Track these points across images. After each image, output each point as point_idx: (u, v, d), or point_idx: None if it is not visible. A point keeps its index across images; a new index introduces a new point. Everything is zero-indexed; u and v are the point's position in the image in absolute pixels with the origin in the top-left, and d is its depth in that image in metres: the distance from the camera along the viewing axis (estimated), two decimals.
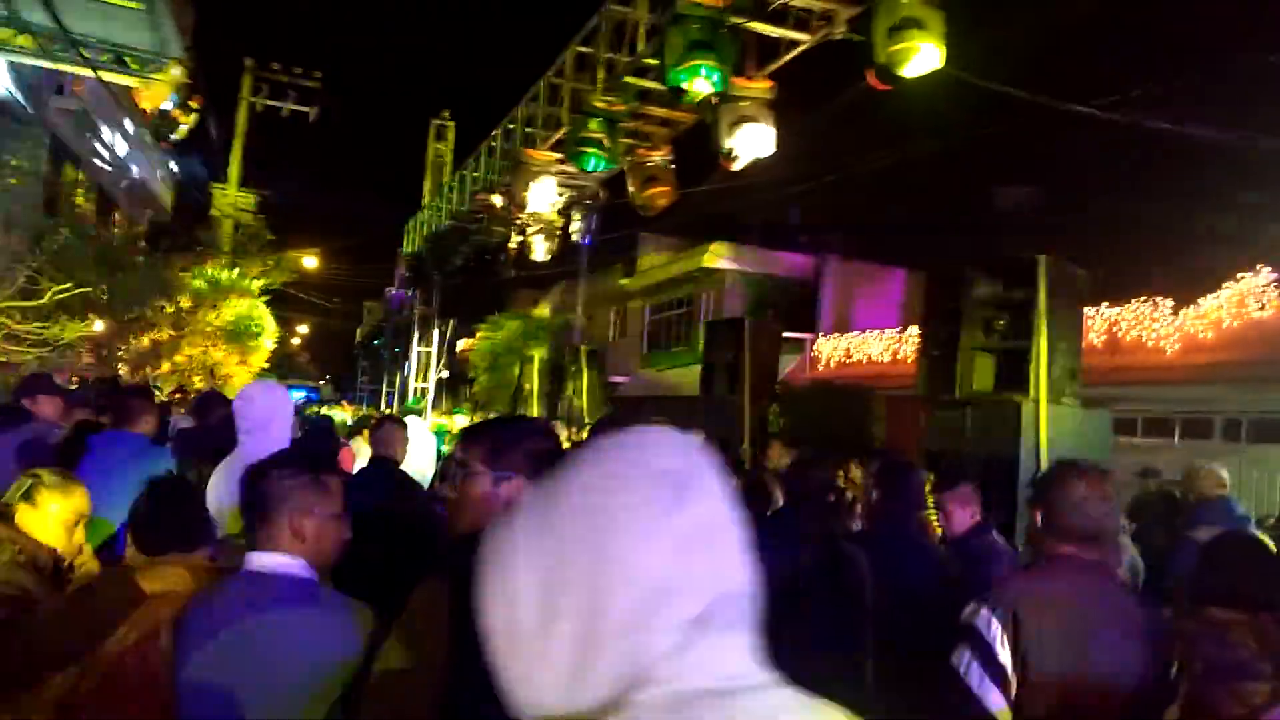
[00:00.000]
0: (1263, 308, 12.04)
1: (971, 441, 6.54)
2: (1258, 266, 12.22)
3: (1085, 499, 2.49)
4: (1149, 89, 10.99)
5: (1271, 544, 3.39)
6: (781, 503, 4.42)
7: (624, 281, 28.85)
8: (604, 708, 0.80)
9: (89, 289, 10.04)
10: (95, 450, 4.08)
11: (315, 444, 5.59)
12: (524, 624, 0.82)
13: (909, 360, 13.81)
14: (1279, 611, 2.39)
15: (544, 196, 10.08)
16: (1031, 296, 6.26)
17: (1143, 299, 13.42)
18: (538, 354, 25.94)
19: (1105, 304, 13.56)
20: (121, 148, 15.62)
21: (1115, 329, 13.55)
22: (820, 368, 19.99)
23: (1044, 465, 5.91)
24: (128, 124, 14.46)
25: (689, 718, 0.79)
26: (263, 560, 2.09)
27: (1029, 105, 9.74)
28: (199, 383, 13.47)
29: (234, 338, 14.04)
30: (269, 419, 3.54)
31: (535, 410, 22.33)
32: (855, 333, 20.01)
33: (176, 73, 15.09)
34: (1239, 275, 12.31)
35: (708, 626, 0.83)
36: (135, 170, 16.90)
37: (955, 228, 20.82)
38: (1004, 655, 2.33)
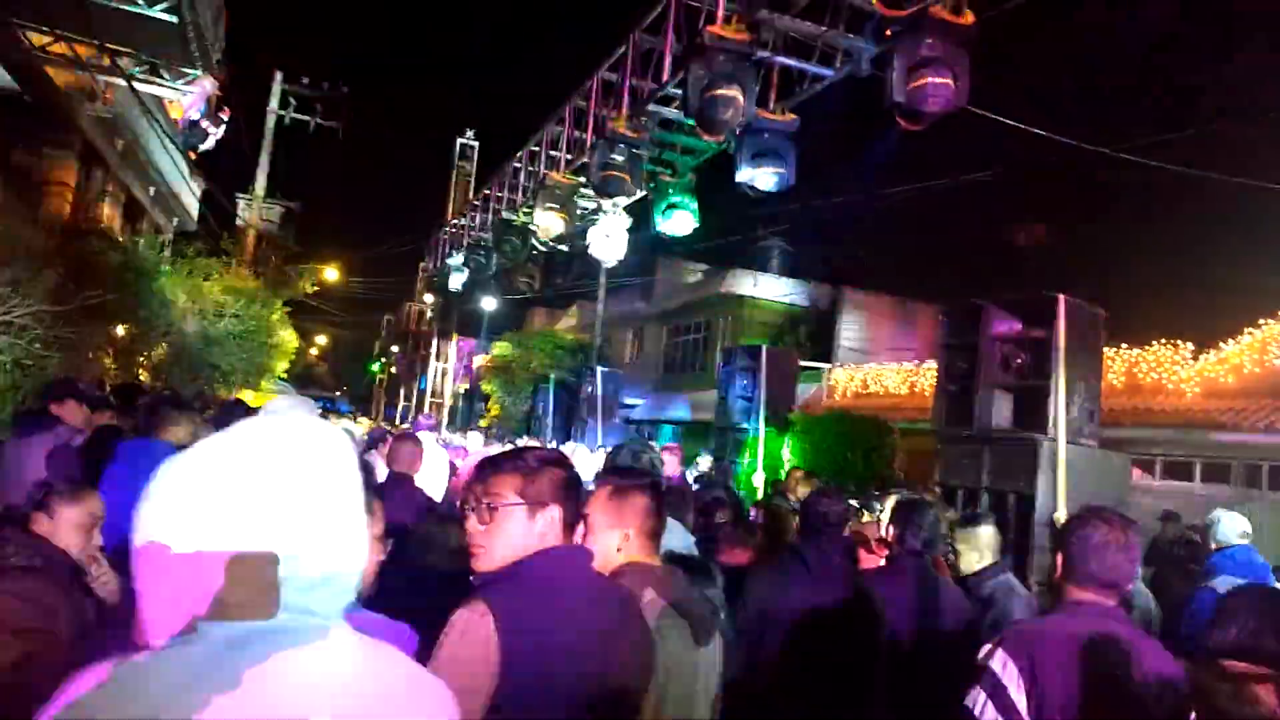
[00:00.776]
0: None
1: (988, 478, 6.51)
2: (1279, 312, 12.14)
3: (1106, 545, 2.48)
4: (1177, 133, 10.98)
5: None
6: (796, 533, 4.40)
7: (641, 304, 28.93)
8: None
9: (113, 295, 10.14)
10: (122, 458, 4.05)
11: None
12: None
13: (926, 393, 13.75)
14: None
15: (565, 219, 10.14)
16: (1051, 335, 6.25)
17: (1163, 341, 13.34)
18: (554, 374, 26.00)
19: (1125, 345, 13.49)
20: (150, 156, 15.84)
21: (1135, 370, 13.47)
22: (837, 397, 19.92)
23: (1061, 505, 5.87)
24: (157, 133, 14.66)
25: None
26: None
27: (1054, 145, 9.75)
28: (223, 392, 13.57)
29: (253, 347, 14.15)
30: None
31: (550, 431, 22.35)
32: (873, 364, 19.96)
33: (207, 84, 15.33)
34: (1261, 321, 12.23)
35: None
36: (163, 179, 17.12)
37: (976, 263, 20.77)
38: (1018, 698, 2.31)
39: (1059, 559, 2.58)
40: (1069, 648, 2.37)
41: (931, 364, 14.05)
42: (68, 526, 2.74)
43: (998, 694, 2.34)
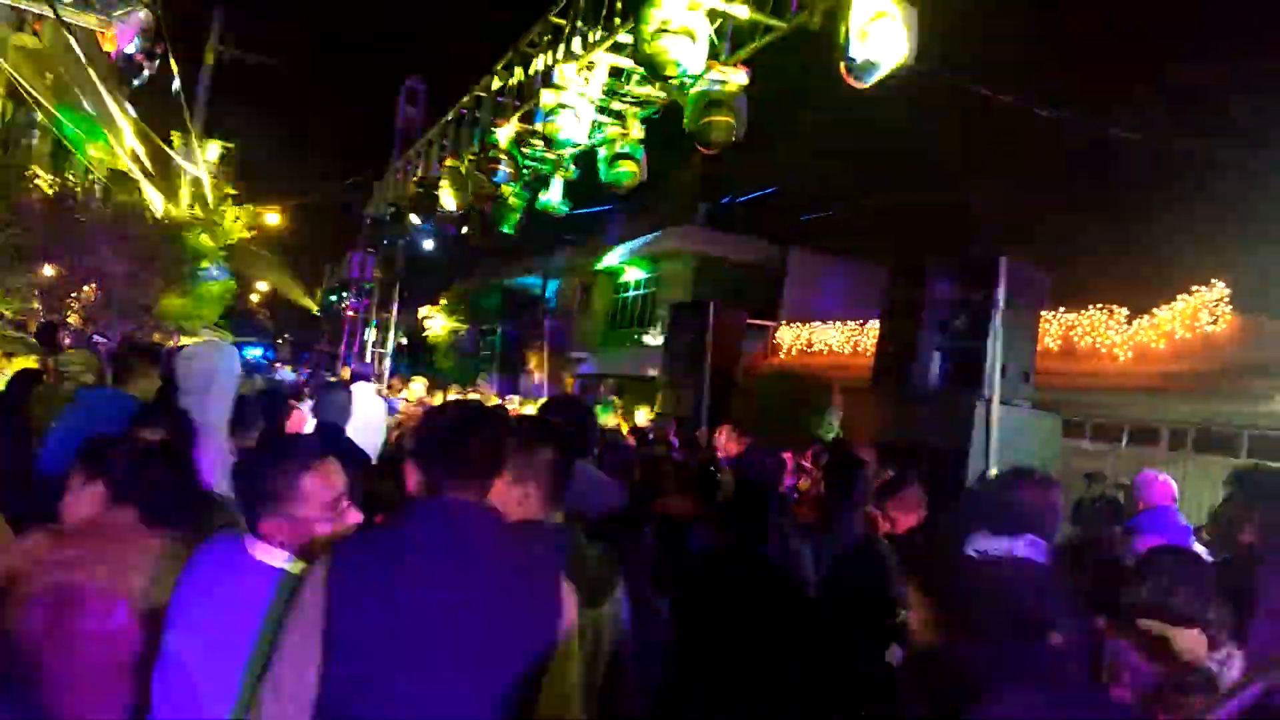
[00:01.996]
0: (1215, 321, 12.26)
1: (923, 436, 6.61)
2: (1212, 281, 12.44)
3: (1027, 503, 2.51)
4: (1117, 97, 11.11)
5: (1208, 557, 3.44)
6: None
7: (590, 259, 28.74)
8: None
9: (33, 233, 9.75)
10: (83, 405, 3.83)
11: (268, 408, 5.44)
12: None
13: (868, 352, 13.91)
14: (1209, 627, 2.42)
15: (512, 167, 9.95)
16: (991, 297, 6.31)
17: (1099, 306, 13.61)
18: (500, 325, 25.81)
19: (1062, 309, 13.74)
20: (80, 90, 15.16)
21: (1071, 334, 13.74)
22: (781, 355, 20.08)
23: (993, 465, 5.98)
24: (89, 69, 14.02)
25: None
26: (255, 547, 2.09)
27: (1000, 105, 9.80)
28: (157, 336, 13.18)
29: (190, 295, 13.76)
30: (209, 380, 3.44)
31: (495, 382, 22.22)
32: (817, 323, 20.11)
33: (142, 16, 14.66)
34: (1194, 288, 12.53)
35: None
36: (94, 115, 16.43)
37: (920, 224, 20.95)
38: None
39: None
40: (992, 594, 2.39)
41: (875, 324, 14.18)
42: None
43: None
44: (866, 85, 6.17)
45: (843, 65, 6.14)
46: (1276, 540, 3.07)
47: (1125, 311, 13.31)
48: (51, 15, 11.26)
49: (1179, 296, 12.66)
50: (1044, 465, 5.93)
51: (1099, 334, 13.45)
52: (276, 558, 2.07)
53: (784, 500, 4.32)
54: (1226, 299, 12.23)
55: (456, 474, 1.94)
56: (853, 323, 18.70)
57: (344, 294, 22.26)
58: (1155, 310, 12.89)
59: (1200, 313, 12.39)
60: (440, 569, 1.81)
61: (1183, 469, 10.80)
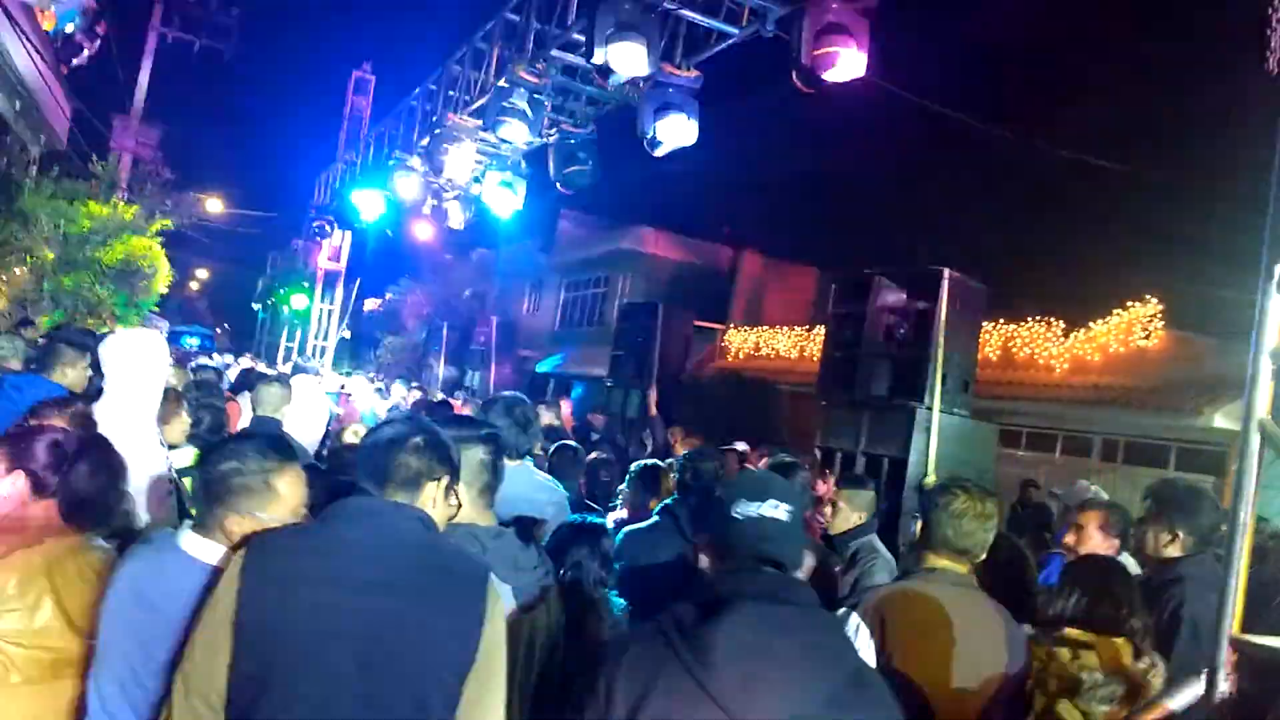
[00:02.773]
0: (1148, 336, 12.61)
1: (865, 442, 6.69)
2: (1146, 296, 12.79)
3: (964, 514, 2.54)
4: (1061, 114, 11.37)
5: (1135, 566, 3.53)
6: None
7: (541, 257, 28.59)
8: None
9: None
10: (8, 390, 3.72)
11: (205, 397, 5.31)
12: None
13: (815, 358, 14.05)
14: (1134, 635, 2.48)
15: (462, 163, 9.85)
16: (933, 307, 6.41)
17: (1038, 318, 13.92)
18: (446, 323, 25.54)
19: (1002, 320, 14.01)
20: (15, 68, 14.65)
21: (1010, 344, 14.03)
22: (729, 358, 20.19)
23: (931, 471, 6.08)
24: (24, 44, 13.56)
25: None
26: (194, 544, 2.05)
27: (946, 120, 9.97)
28: (90, 323, 12.77)
29: (122, 277, 13.33)
30: (135, 370, 3.34)
31: (439, 379, 21.98)
32: (765, 327, 20.26)
33: None
34: (1129, 303, 12.87)
35: None
36: (29, 94, 15.88)
37: (866, 233, 21.24)
38: (866, 656, 2.36)
39: (919, 525, 2.65)
40: (920, 613, 2.43)
41: (822, 329, 14.34)
42: None
43: None
44: (814, 90, 6.25)
45: (794, 72, 6.21)
46: (1199, 553, 3.15)
47: (1062, 324, 13.62)
48: None
49: (1114, 311, 13.00)
50: (980, 473, 6.06)
51: (1037, 345, 13.75)
52: (213, 554, 2.03)
53: None
54: (1159, 315, 12.59)
55: (383, 484, 1.94)
56: (800, 328, 18.87)
57: (287, 284, 21.81)
58: (1091, 324, 13.21)
59: (1134, 327, 12.73)
60: (357, 570, 1.77)
61: (1113, 480, 11.10)
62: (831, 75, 6.07)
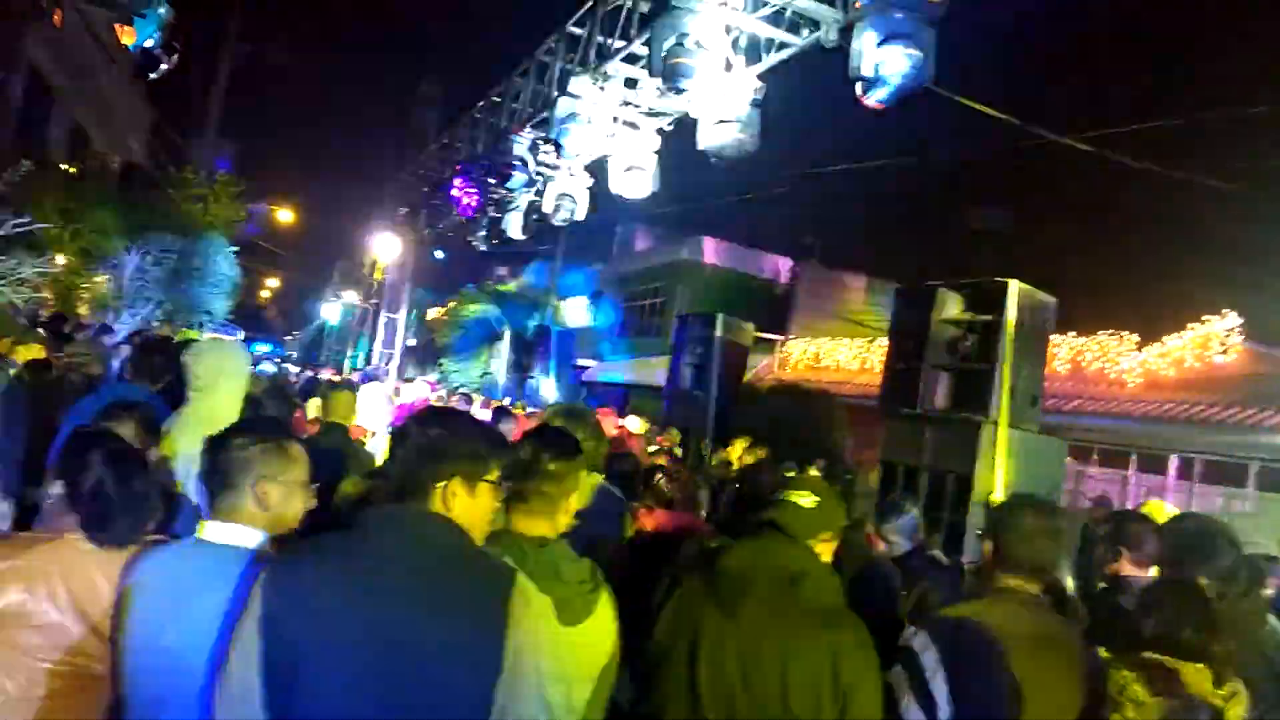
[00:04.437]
0: (1225, 352, 12.20)
1: (928, 457, 6.57)
2: (1224, 311, 12.38)
3: (1035, 532, 2.47)
4: (1138, 125, 11.08)
5: (1210, 590, 3.40)
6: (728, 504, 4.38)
7: (600, 266, 28.74)
8: None
9: (50, 224, 9.78)
10: (106, 396, 3.76)
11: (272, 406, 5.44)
12: None
13: (876, 370, 13.88)
14: (1215, 662, 2.39)
15: (524, 173, 9.97)
16: (999, 320, 6.28)
17: (1109, 332, 13.56)
18: (507, 331, 25.80)
19: (1072, 333, 13.69)
20: (99, 84, 15.25)
21: (1080, 358, 13.68)
22: (789, 370, 20.03)
23: (999, 488, 5.94)
24: (107, 60, 14.11)
25: None
26: (219, 531, 2.08)
27: (1016, 130, 9.78)
28: (166, 330, 13.20)
29: (199, 285, 13.78)
30: (218, 376, 3.43)
31: (500, 389, 22.19)
32: (826, 338, 20.08)
33: (162, 11, 14.74)
34: (1204, 318, 12.47)
35: None
36: (111, 109, 16.51)
37: (931, 244, 20.94)
38: (937, 686, 2.30)
39: (989, 545, 2.58)
40: (991, 635, 2.37)
41: (884, 341, 14.15)
42: None
43: (916, 678, 2.33)
44: (878, 104, 6.16)
45: (857, 84, 6.14)
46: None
47: (1135, 338, 13.25)
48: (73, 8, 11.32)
49: (1189, 325, 12.61)
50: (1050, 490, 5.90)
51: (1109, 359, 13.39)
52: (247, 537, 2.07)
53: None
54: (1237, 329, 12.18)
55: (409, 486, 1.89)
56: (861, 339, 18.66)
57: (354, 293, 22.25)
58: (1164, 338, 12.83)
59: (1210, 342, 12.33)
60: (379, 579, 1.75)
61: (1188, 499, 10.74)
62: (895, 84, 5.99)
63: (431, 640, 1.74)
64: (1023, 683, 2.29)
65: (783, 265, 24.69)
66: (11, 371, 4.75)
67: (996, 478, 5.97)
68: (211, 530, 2.08)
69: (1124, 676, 2.37)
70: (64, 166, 13.56)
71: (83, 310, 12.50)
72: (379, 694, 1.69)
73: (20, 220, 8.62)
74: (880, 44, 5.88)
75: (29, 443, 3.94)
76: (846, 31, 6.47)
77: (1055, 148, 11.23)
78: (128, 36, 15.16)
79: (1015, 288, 6.29)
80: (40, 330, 6.39)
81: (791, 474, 3.44)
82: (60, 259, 11.76)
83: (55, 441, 3.51)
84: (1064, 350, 13.55)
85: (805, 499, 2.50)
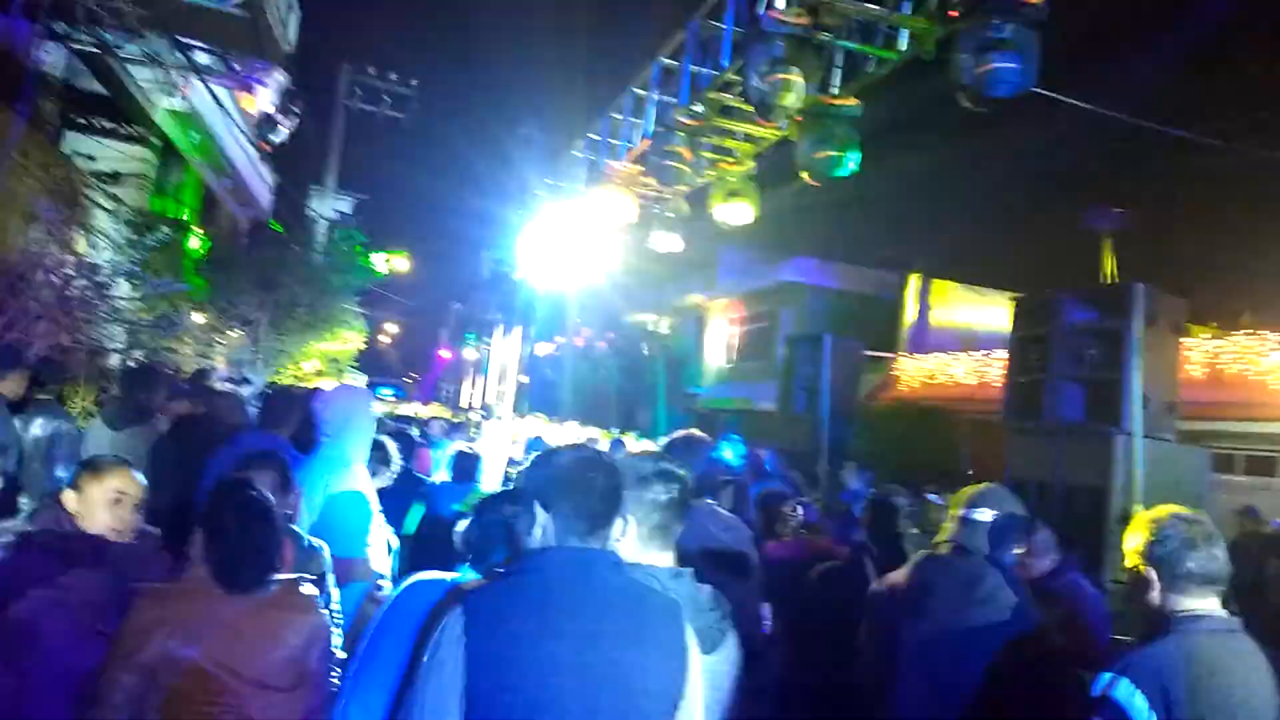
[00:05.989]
0: None
1: (1059, 472, 6.31)
2: None
3: (1193, 541, 2.33)
4: (1265, 115, 10.50)
5: None
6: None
7: (700, 296, 28.76)
8: None
9: (189, 285, 10.44)
10: (241, 445, 3.98)
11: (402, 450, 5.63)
12: None
13: (996, 384, 13.43)
14: None
15: (624, 208, 10.09)
16: (1125, 325, 6.02)
17: (1248, 332, 12.79)
18: (616, 363, 26.05)
19: (1207, 335, 12.96)
20: (224, 149, 16.23)
21: (1216, 361, 12.93)
22: (903, 388, 19.57)
23: (1138, 501, 5.65)
24: (231, 125, 15.02)
25: None
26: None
27: (1132, 128, 9.39)
28: (295, 379, 13.86)
29: (324, 337, 14.46)
30: (346, 422, 3.60)
31: (611, 420, 22.38)
32: (940, 354, 19.55)
33: (279, 77, 15.65)
34: None
35: None
36: (236, 171, 17.54)
37: (1052, 251, 20.20)
38: None
39: (1148, 574, 2.39)
40: (1198, 670, 2.21)
41: (1002, 354, 13.69)
42: (92, 502, 2.76)
43: None
44: (983, 108, 6.02)
45: (959, 92, 6.01)
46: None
47: (1276, 338, 12.46)
48: (198, 80, 12.10)
49: None
50: (1192, 502, 5.59)
51: (1248, 361, 12.61)
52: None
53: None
54: None
55: (582, 519, 1.94)
56: (978, 353, 18.10)
57: (468, 334, 22.89)
58: None
59: None
60: (573, 622, 1.81)
61: None
62: (998, 92, 5.85)
63: (627, 679, 1.81)
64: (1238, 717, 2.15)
65: (891, 282, 24.21)
66: (161, 429, 5.05)
67: (1135, 491, 5.70)
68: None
69: None
70: (197, 229, 14.45)
71: (219, 363, 13.24)
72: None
73: (161, 282, 9.23)
74: (980, 51, 5.76)
75: (178, 497, 4.19)
76: (943, 43, 6.36)
77: (1172, 141, 10.73)
78: (248, 102, 16.15)
79: (1141, 290, 6.04)
80: (187, 385, 6.81)
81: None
82: (198, 317, 12.52)
83: (201, 486, 3.75)
84: (1197, 354, 12.83)
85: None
